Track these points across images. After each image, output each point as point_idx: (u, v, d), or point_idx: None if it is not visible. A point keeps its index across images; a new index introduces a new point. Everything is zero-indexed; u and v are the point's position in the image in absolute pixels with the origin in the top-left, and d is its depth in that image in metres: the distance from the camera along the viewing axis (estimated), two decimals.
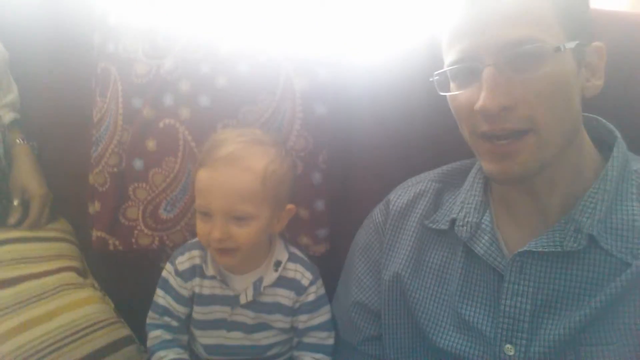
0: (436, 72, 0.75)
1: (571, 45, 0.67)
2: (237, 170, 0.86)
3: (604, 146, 0.77)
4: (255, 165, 0.87)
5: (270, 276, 0.95)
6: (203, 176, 0.88)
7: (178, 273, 0.97)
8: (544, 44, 0.66)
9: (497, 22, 0.67)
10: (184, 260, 0.97)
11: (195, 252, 0.98)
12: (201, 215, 0.89)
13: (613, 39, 0.78)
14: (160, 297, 0.98)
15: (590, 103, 0.74)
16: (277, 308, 0.96)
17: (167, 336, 0.98)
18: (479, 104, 0.67)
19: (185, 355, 0.99)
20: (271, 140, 0.94)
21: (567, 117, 0.70)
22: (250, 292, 0.94)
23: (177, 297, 0.97)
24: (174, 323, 0.98)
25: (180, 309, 0.98)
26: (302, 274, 0.96)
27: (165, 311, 0.98)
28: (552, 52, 0.66)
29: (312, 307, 0.97)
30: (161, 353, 0.97)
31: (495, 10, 0.67)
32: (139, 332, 1.04)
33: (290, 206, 0.95)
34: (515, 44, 0.66)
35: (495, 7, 0.67)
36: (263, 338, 0.97)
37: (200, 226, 0.89)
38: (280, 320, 0.97)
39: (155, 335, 0.99)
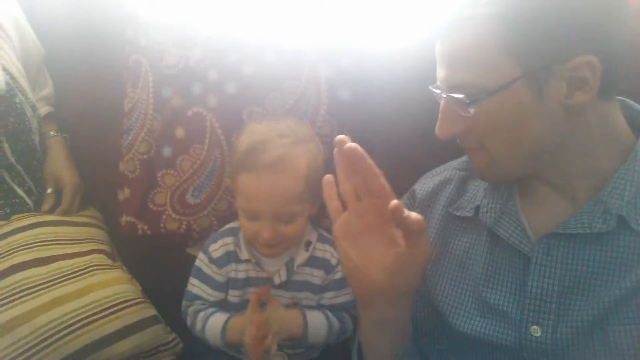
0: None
1: (515, 78, 0.67)
2: (283, 175, 0.89)
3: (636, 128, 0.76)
4: (299, 167, 0.91)
5: (302, 255, 0.98)
6: (247, 181, 0.91)
7: (212, 260, 1.00)
8: (476, 90, 0.69)
9: (447, 63, 0.73)
10: (217, 248, 1.00)
11: (228, 239, 1.01)
12: (246, 216, 0.93)
13: None
14: (195, 286, 1.01)
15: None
16: (307, 286, 0.99)
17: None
18: (436, 130, 0.77)
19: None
20: (307, 132, 0.97)
21: (519, 142, 0.72)
22: (283, 273, 0.98)
23: (212, 284, 1.00)
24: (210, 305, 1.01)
25: (215, 294, 1.00)
26: (331, 254, 1.00)
27: (199, 299, 1.01)
28: (487, 95, 0.69)
29: (338, 285, 0.99)
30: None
31: (445, 52, 0.73)
32: (164, 315, 1.06)
33: None
34: (452, 88, 0.73)
35: (445, 49, 0.73)
36: None
37: (247, 225, 0.93)
38: (308, 298, 0.99)
39: (195, 307, 1.01)
